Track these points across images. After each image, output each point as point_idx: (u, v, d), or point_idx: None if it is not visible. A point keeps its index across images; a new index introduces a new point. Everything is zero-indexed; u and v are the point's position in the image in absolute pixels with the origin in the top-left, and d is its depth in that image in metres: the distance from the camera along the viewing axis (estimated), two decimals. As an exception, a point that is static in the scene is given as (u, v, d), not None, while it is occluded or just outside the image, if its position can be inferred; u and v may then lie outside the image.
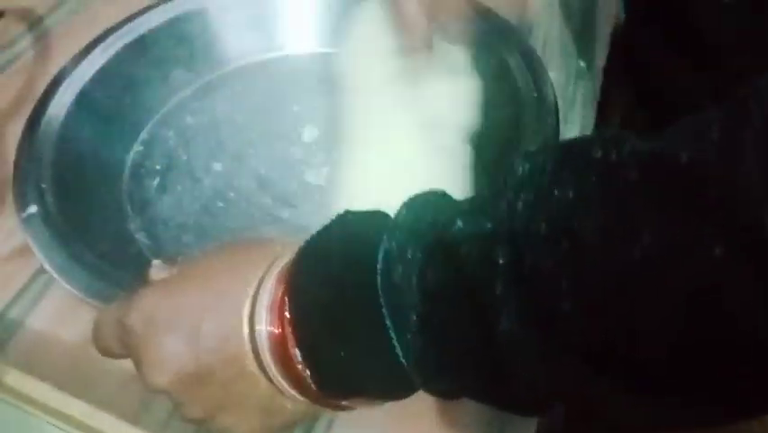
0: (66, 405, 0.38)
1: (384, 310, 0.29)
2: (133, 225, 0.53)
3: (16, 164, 0.51)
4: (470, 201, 0.31)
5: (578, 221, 0.25)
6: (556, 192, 0.26)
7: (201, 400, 0.34)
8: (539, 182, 0.27)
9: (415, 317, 0.28)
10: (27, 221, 0.47)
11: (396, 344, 0.29)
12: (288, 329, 0.32)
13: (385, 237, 0.30)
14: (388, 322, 0.29)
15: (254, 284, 0.33)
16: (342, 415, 0.41)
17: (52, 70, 0.57)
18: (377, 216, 0.33)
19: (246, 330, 0.32)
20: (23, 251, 0.48)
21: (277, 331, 0.32)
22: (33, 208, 0.47)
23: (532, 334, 0.26)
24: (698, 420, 0.27)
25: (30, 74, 0.60)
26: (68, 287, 0.44)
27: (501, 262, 0.26)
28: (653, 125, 0.45)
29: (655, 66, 0.44)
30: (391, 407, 0.39)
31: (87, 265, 0.45)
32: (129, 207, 0.54)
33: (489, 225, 0.27)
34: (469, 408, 0.42)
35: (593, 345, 0.25)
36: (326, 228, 0.33)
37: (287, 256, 0.33)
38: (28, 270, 0.49)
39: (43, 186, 0.49)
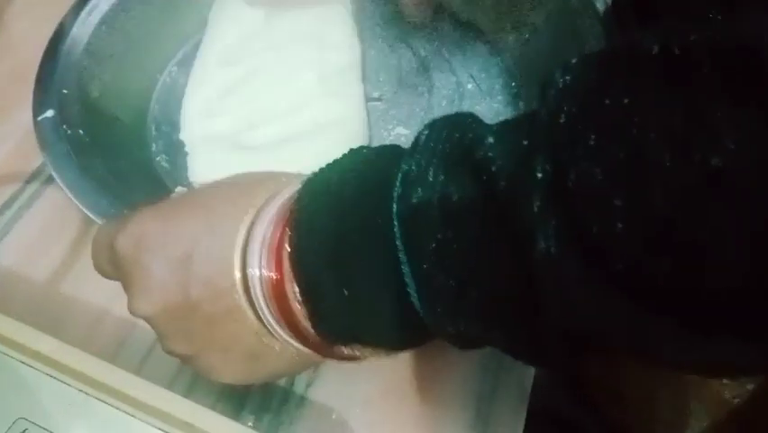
0: (35, 341, 0.35)
1: (398, 241, 0.26)
2: (155, 147, 0.50)
3: (40, 69, 0.47)
4: (503, 121, 0.27)
5: (637, 128, 0.21)
6: (607, 100, 0.22)
7: (185, 335, 0.32)
8: (584, 91, 0.23)
9: (434, 245, 0.25)
10: (41, 124, 0.44)
11: (408, 280, 0.26)
12: (287, 265, 0.29)
13: (404, 160, 0.27)
14: (401, 255, 0.26)
15: (251, 214, 0.30)
16: (320, 393, 0.39)
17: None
18: (395, 148, 0.30)
19: (238, 262, 0.30)
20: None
21: (272, 270, 0.29)
22: (50, 113, 0.44)
23: (572, 256, 0.22)
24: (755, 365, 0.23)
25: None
26: (75, 201, 0.41)
27: (540, 176, 0.22)
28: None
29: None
30: (375, 379, 0.39)
31: (100, 181, 0.42)
32: (153, 128, 0.50)
33: (525, 142, 0.24)
34: (456, 380, 0.39)
35: (649, 272, 0.21)
36: (337, 160, 0.30)
37: (290, 188, 0.31)
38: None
39: (65, 92, 0.46)
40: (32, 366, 0.35)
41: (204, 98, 0.49)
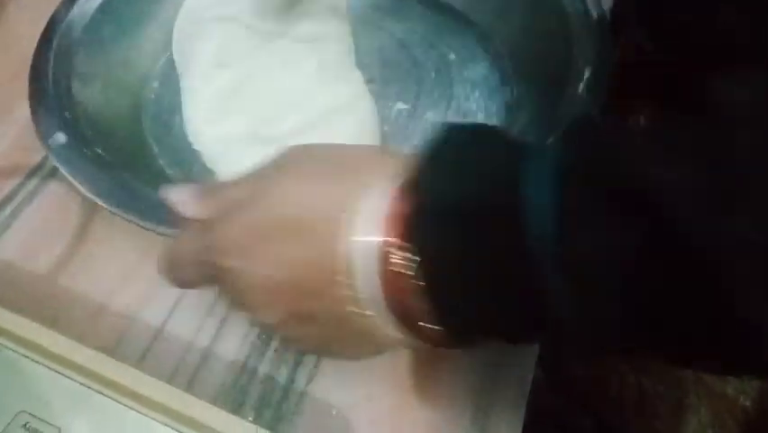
0: (36, 335, 0.35)
1: (553, 278, 0.24)
2: (150, 138, 0.50)
3: (34, 65, 0.47)
4: (668, 145, 0.24)
5: None
6: None
7: (306, 337, 0.32)
8: None
9: (601, 291, 0.23)
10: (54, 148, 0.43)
11: (562, 308, 0.24)
12: (406, 257, 0.27)
13: (546, 187, 0.24)
14: (556, 286, 0.24)
15: (354, 222, 0.28)
16: (321, 389, 0.39)
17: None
18: (513, 150, 0.27)
19: (350, 262, 0.28)
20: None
21: (393, 271, 0.27)
22: (62, 137, 0.43)
23: None
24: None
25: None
26: (80, 187, 0.40)
27: (745, 232, 0.20)
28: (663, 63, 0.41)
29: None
30: (376, 376, 0.39)
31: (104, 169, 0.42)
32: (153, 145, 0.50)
33: (703, 175, 0.21)
34: (456, 377, 0.39)
35: None
36: (438, 156, 0.28)
37: (382, 186, 0.29)
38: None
39: (68, 115, 0.45)
40: (33, 360, 0.35)
41: (207, 103, 0.49)
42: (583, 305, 0.24)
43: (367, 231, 0.28)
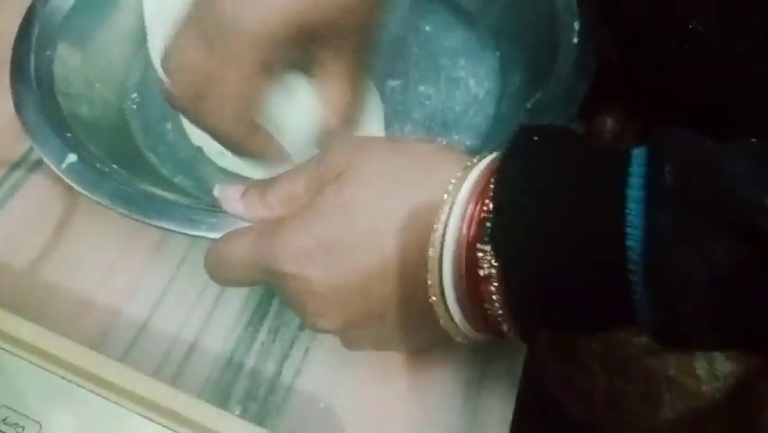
0: (18, 329, 0.35)
1: (643, 300, 0.25)
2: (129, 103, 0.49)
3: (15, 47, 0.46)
4: (746, 157, 0.24)
5: None
6: None
7: (370, 340, 0.34)
8: None
9: (699, 309, 0.23)
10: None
11: (647, 316, 0.25)
12: (488, 287, 0.28)
13: (646, 205, 0.24)
14: (642, 305, 0.25)
15: (434, 240, 0.28)
16: (308, 382, 0.39)
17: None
18: (607, 166, 0.26)
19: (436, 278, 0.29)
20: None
21: (472, 296, 0.28)
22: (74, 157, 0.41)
23: None
24: None
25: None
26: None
27: None
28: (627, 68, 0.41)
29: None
30: (363, 368, 0.39)
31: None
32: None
33: None
34: (445, 367, 0.39)
35: None
36: (534, 170, 0.27)
37: (463, 197, 0.28)
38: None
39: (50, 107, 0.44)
40: (14, 354, 0.34)
41: None
42: (669, 317, 0.24)
43: (454, 236, 0.28)
